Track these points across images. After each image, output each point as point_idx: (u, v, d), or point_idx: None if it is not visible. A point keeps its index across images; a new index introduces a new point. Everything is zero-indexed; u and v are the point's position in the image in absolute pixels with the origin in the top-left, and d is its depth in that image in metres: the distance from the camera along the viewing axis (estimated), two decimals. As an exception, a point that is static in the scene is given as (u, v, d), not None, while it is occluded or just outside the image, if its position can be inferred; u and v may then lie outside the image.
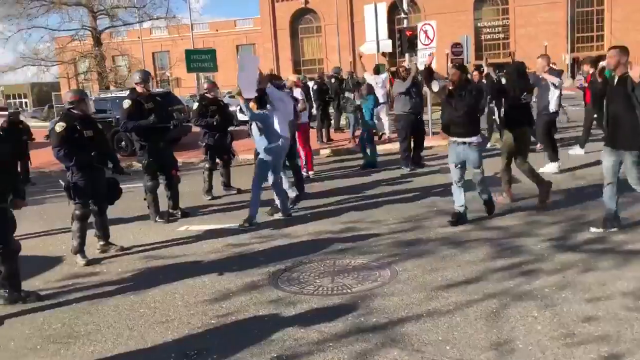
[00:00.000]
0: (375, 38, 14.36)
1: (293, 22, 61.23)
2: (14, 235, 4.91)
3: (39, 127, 22.91)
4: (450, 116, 6.38)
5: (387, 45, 14.50)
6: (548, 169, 8.70)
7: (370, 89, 11.11)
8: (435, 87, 6.90)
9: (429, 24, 13.20)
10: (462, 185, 6.43)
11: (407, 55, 15.52)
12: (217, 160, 9.12)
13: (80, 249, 5.95)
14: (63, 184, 5.83)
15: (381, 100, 13.53)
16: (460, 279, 4.71)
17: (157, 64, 62.29)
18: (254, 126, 7.06)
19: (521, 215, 6.55)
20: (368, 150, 10.64)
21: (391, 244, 5.80)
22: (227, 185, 9.36)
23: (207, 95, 9.05)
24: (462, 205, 6.39)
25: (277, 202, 7.36)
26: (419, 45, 13.23)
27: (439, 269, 4.98)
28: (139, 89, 7.28)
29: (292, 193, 7.84)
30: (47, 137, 13.21)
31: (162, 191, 7.59)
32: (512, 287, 4.47)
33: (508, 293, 4.35)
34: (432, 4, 52.24)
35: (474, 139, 6.28)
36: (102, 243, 6.27)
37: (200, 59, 17.44)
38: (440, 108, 7.04)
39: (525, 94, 7.13)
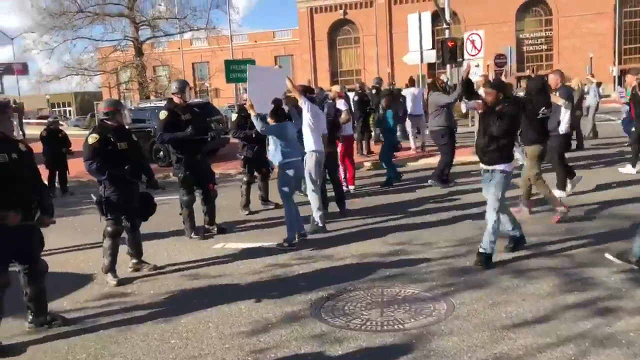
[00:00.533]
0: (419, 48, 13.85)
1: (331, 33, 61.05)
2: (43, 251, 4.61)
3: (80, 136, 23.21)
4: (478, 140, 5.71)
5: (431, 56, 13.99)
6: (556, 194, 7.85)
7: (392, 101, 10.56)
8: (464, 109, 6.24)
9: (476, 34, 12.65)
10: (504, 210, 5.66)
11: (448, 66, 15.03)
12: (256, 173, 8.76)
13: (111, 268, 5.63)
14: (94, 198, 5.53)
15: (417, 112, 13.08)
16: (528, 317, 4.16)
17: (196, 74, 62.98)
18: (270, 140, 6.71)
19: (583, 240, 5.93)
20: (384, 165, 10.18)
21: (445, 272, 5.28)
22: (265, 199, 8.98)
23: (246, 106, 8.70)
24: (516, 229, 5.78)
25: (316, 218, 6.97)
26: (465, 56, 12.66)
27: (502, 303, 4.44)
28: (176, 99, 6.98)
29: (316, 213, 7.39)
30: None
31: (198, 205, 7.26)
32: (589, 329, 3.91)
33: (586, 336, 3.79)
34: (473, 15, 51.27)
35: (499, 167, 5.43)
36: (134, 261, 5.95)
37: (240, 69, 17.27)
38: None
39: (544, 109, 6.94)
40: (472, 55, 12.53)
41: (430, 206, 8.16)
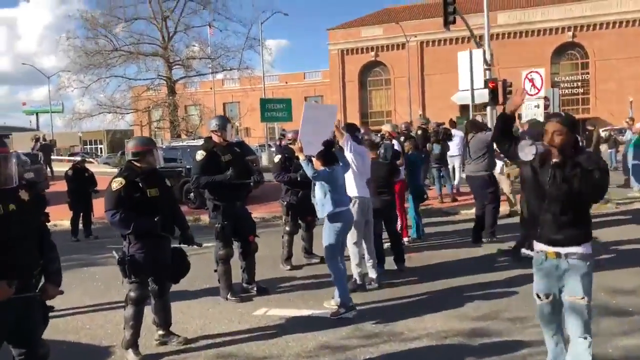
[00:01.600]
0: (469, 87, 12.87)
1: (362, 75, 60.91)
2: (53, 311, 3.58)
3: (108, 174, 22.65)
4: (533, 208, 3.51)
5: (482, 95, 12.96)
6: None
7: (419, 145, 9.48)
8: (529, 154, 3.26)
9: (536, 72, 11.64)
10: (561, 334, 3.61)
11: (488, 108, 14.04)
12: (299, 221, 7.72)
13: (133, 342, 4.58)
14: (116, 256, 4.54)
15: (456, 152, 12.03)
16: None
17: (227, 114, 63.23)
18: (317, 188, 5.61)
19: None
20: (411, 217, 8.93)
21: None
22: (309, 252, 7.91)
23: (292, 146, 7.73)
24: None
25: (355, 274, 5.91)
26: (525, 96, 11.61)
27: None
28: (216, 138, 6.05)
29: (372, 273, 6.35)
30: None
31: (235, 259, 6.22)
32: None
33: None
34: (507, 58, 50.37)
35: (578, 249, 3.36)
36: (161, 332, 4.89)
37: (275, 109, 16.59)
38: None
39: None
40: (532, 95, 11.47)
41: (503, 266, 6.97)
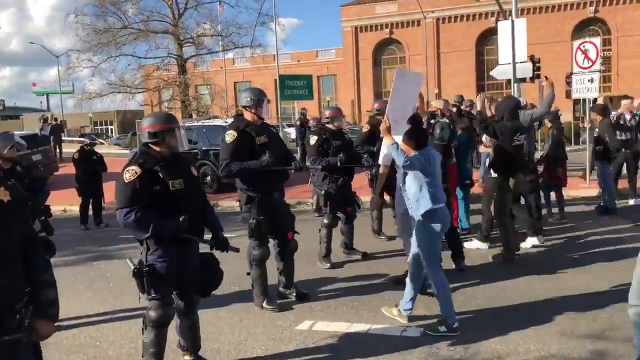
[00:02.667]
0: (511, 60, 11.69)
1: (376, 53, 59.34)
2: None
3: (120, 155, 21.77)
4: None
5: (526, 70, 11.77)
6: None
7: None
8: None
9: (591, 42, 10.38)
10: None
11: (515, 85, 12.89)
12: (339, 213, 6.72)
13: (154, 374, 3.63)
14: (131, 265, 3.56)
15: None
16: None
17: (238, 93, 62.11)
18: (409, 180, 4.50)
19: None
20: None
21: None
22: (349, 247, 6.94)
23: (329, 125, 6.70)
24: None
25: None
26: (575, 69, 10.42)
27: None
28: (249, 115, 5.01)
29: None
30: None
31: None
32: None
33: None
34: (528, 36, 48.65)
35: None
36: (189, 358, 3.94)
37: (295, 86, 15.48)
38: None
39: (519, 134, 6.24)
40: (584, 68, 10.28)
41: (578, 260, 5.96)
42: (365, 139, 7.55)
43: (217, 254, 3.85)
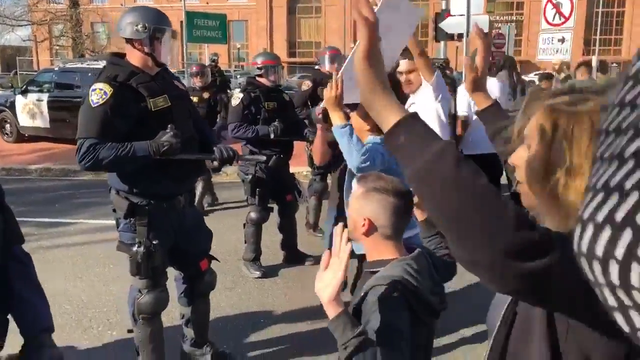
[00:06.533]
0: (465, 12, 10.11)
1: (291, 0, 56.52)
2: None
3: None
4: None
5: (482, 24, 10.25)
6: None
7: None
8: None
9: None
10: None
11: (442, 43, 11.65)
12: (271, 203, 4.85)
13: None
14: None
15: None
16: None
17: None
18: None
19: None
20: None
21: None
22: (289, 245, 5.11)
23: (261, 80, 4.70)
24: None
25: None
26: (544, 25, 9.00)
27: None
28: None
29: None
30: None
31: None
32: None
33: None
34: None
35: None
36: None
37: (206, 26, 13.01)
38: None
39: None
40: (553, 25, 8.88)
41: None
42: (305, 100, 5.63)
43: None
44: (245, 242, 4.76)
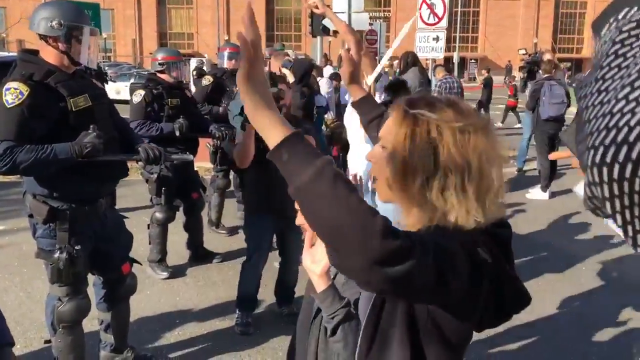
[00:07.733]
0: (346, 10, 10.53)
1: (160, -11, 54.34)
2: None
3: None
4: None
5: (363, 21, 10.73)
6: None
7: None
8: None
9: (438, -6, 9.54)
10: None
11: (319, 39, 11.60)
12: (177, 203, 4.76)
13: None
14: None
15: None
16: None
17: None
18: None
19: None
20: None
21: None
22: (192, 246, 5.03)
23: (163, 76, 4.59)
24: None
25: None
26: (420, 24, 9.61)
27: None
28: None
29: None
30: None
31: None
32: None
33: None
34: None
35: None
36: None
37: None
38: None
39: None
40: (428, 25, 9.52)
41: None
42: (204, 95, 5.57)
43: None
44: (150, 244, 4.64)
